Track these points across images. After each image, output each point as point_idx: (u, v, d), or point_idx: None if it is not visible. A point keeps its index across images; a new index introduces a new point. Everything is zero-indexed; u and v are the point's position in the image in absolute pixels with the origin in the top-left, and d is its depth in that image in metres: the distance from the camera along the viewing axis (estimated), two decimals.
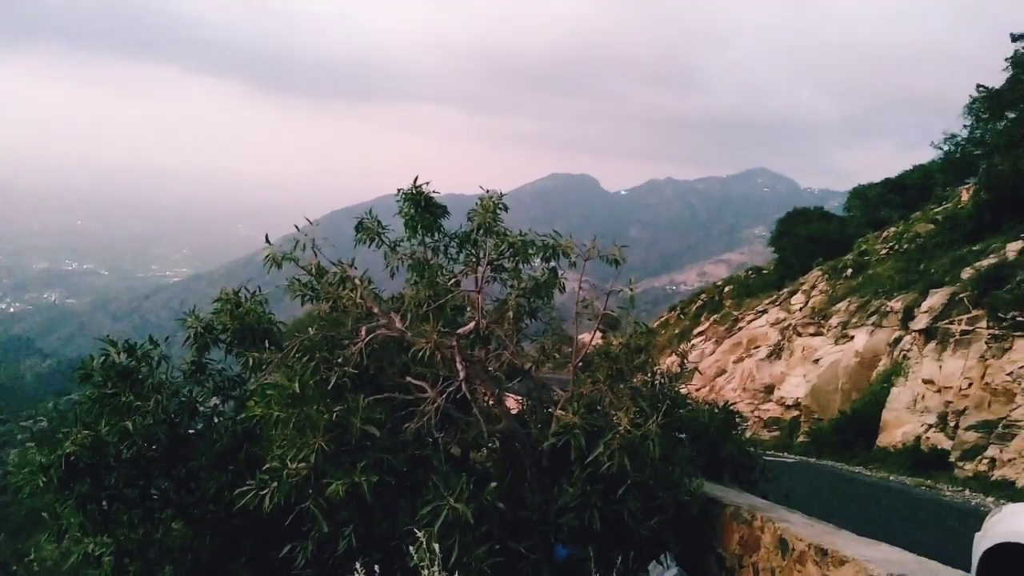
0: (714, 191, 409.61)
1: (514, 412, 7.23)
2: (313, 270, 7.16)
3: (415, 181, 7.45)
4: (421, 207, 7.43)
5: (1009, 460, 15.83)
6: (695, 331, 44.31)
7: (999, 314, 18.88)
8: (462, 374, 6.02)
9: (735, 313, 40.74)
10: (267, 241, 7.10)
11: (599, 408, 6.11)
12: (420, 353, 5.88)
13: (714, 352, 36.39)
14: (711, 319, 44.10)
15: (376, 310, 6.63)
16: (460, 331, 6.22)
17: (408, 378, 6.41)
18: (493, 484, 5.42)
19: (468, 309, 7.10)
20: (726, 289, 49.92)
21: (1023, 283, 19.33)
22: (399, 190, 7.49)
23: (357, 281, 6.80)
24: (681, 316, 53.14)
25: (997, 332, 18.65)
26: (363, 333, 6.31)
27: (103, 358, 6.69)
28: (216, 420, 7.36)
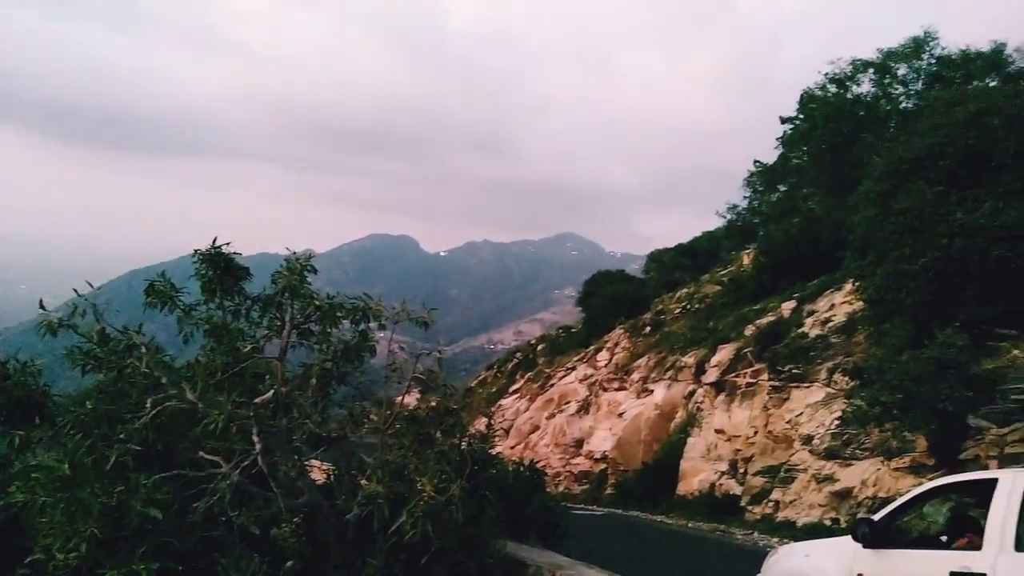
0: (528, 253, 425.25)
1: (320, 483, 6.93)
2: (96, 337, 6.55)
3: (214, 241, 7.08)
4: (220, 268, 7.05)
5: (790, 502, 17.32)
6: (511, 389, 45.20)
7: (777, 367, 20.89)
8: (259, 446, 5.70)
9: (547, 371, 42.08)
10: (41, 306, 6.44)
11: (405, 474, 6.01)
12: (213, 425, 5.51)
13: (528, 409, 37.24)
14: (525, 377, 45.22)
15: (165, 380, 6.15)
16: (258, 400, 5.89)
17: (201, 453, 5.97)
18: (289, 563, 5.12)
19: (267, 377, 6.77)
20: (539, 347, 51.52)
21: (797, 339, 21.57)
22: (196, 251, 7.07)
23: (144, 349, 6.30)
24: (498, 374, 54.08)
25: (776, 384, 20.60)
26: (149, 405, 5.82)
27: None
28: None
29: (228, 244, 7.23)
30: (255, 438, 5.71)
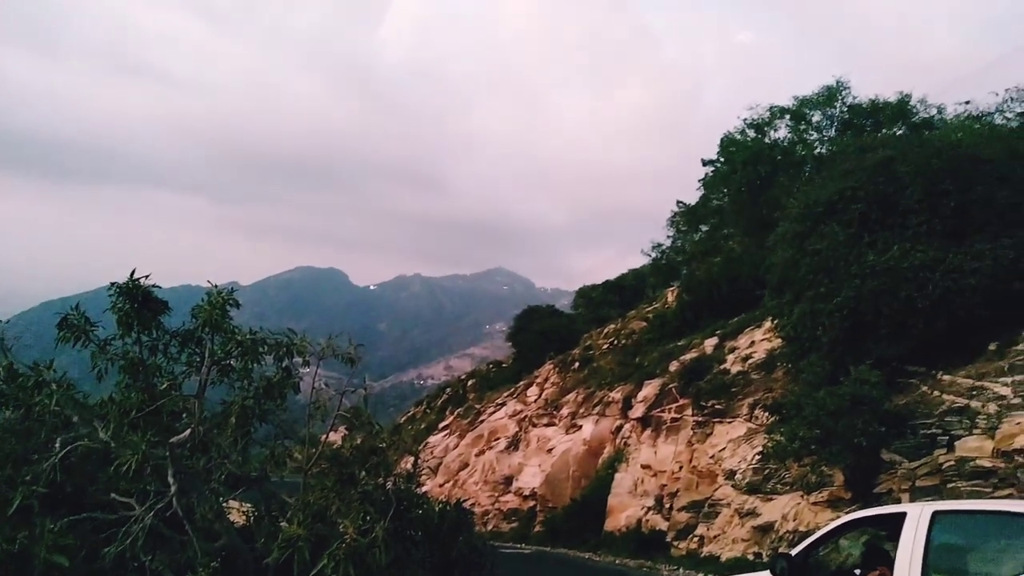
0: (459, 288, 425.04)
1: (240, 525, 6.72)
2: (2, 373, 6.26)
3: (132, 273, 6.87)
4: (138, 302, 6.84)
5: (715, 536, 17.59)
6: (440, 425, 44.77)
7: (701, 403, 21.33)
8: (174, 487, 5.51)
9: (477, 406, 41.89)
10: None
11: (327, 516, 5.88)
12: (126, 466, 5.30)
13: (458, 446, 36.90)
14: (455, 413, 44.88)
15: (76, 418, 5.91)
16: (174, 440, 5.70)
17: (113, 495, 5.73)
18: None
19: (184, 415, 6.56)
20: (469, 383, 51.29)
21: (719, 375, 22.09)
22: (112, 283, 6.84)
23: (54, 385, 6.04)
24: (428, 410, 53.52)
25: (700, 419, 21.01)
26: (58, 445, 5.58)
27: None
28: None
29: (147, 276, 7.03)
30: (171, 479, 5.52)
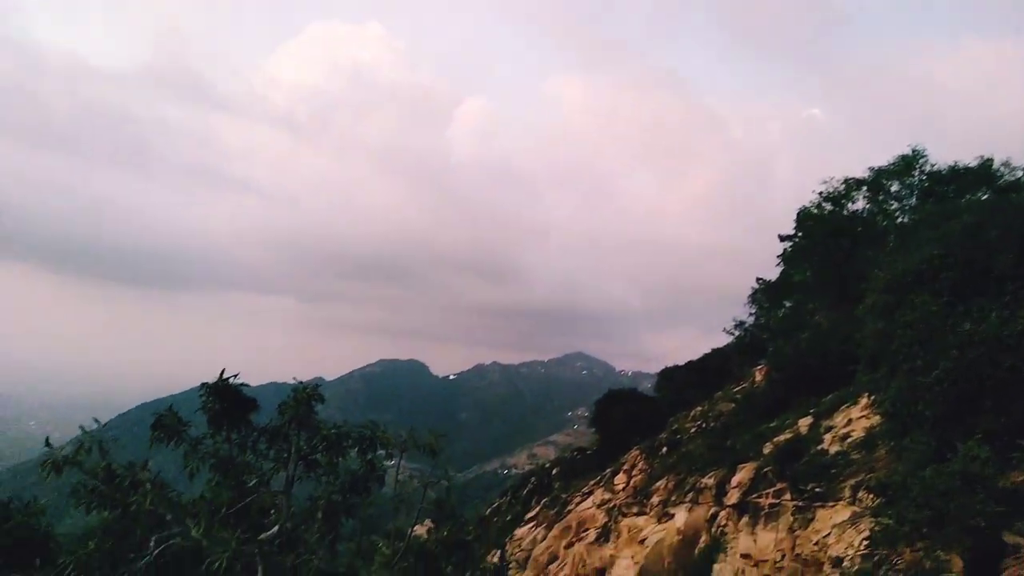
0: (538, 374, 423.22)
1: None
2: (101, 473, 6.47)
3: (221, 373, 7.10)
4: (227, 401, 7.03)
5: None
6: (526, 516, 43.75)
7: (800, 486, 20.24)
8: None
9: (563, 496, 40.87)
10: (47, 444, 6.42)
11: None
12: (217, 564, 5.34)
13: (545, 538, 35.89)
14: (541, 503, 43.87)
15: (170, 517, 6.02)
16: (263, 536, 5.73)
17: None
18: None
19: (272, 511, 6.60)
20: (554, 471, 50.27)
21: (817, 456, 21.02)
22: (203, 383, 7.08)
23: (149, 485, 6.20)
24: (512, 501, 52.49)
25: (800, 504, 19.89)
26: (153, 544, 5.67)
27: None
28: None
29: (236, 376, 7.25)
30: None
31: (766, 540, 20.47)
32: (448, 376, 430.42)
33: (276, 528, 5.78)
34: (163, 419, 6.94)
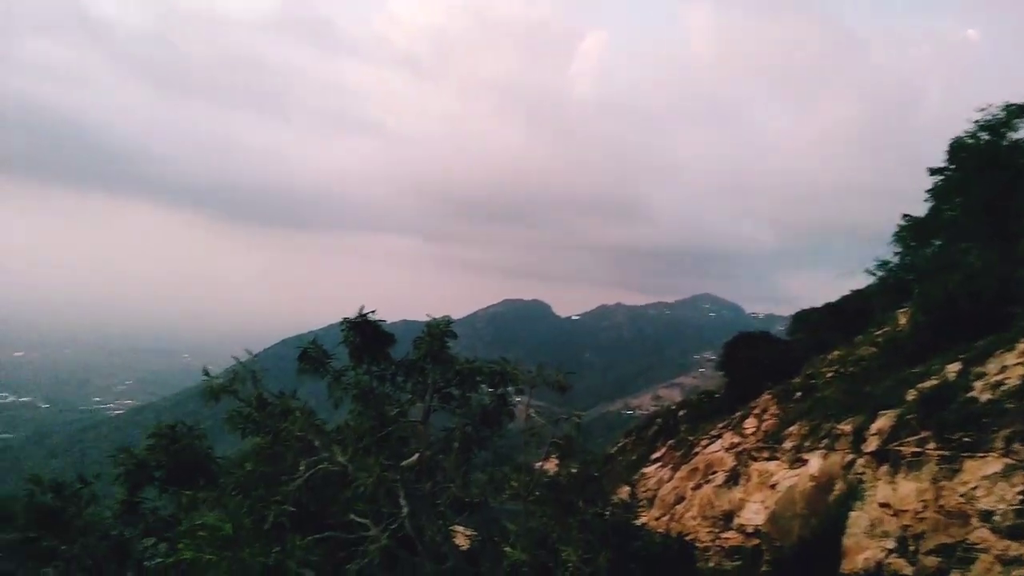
0: (663, 316, 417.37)
1: (464, 549, 6.90)
2: (254, 402, 6.94)
3: (361, 309, 7.38)
4: (367, 336, 7.33)
5: None
6: (652, 456, 43.78)
7: (946, 435, 19.11)
8: (406, 510, 5.76)
9: (690, 438, 40.52)
10: (205, 373, 6.91)
11: (548, 543, 5.86)
12: (362, 488, 5.63)
13: (671, 478, 35.86)
14: (667, 444, 43.71)
15: (317, 443, 6.39)
16: (404, 464, 5.98)
17: (351, 515, 6.11)
18: None
19: (412, 440, 6.88)
20: (680, 413, 49.83)
21: (965, 404, 19.72)
22: (344, 319, 7.39)
23: (298, 413, 6.58)
24: (637, 441, 52.62)
25: (946, 453, 18.81)
26: (303, 468, 6.05)
27: (27, 498, 6.28)
28: (148, 564, 6.87)
29: (373, 312, 7.53)
30: (402, 501, 5.78)
31: (907, 490, 19.55)
32: (571, 317, 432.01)
33: (416, 456, 6.03)
34: (309, 352, 7.34)
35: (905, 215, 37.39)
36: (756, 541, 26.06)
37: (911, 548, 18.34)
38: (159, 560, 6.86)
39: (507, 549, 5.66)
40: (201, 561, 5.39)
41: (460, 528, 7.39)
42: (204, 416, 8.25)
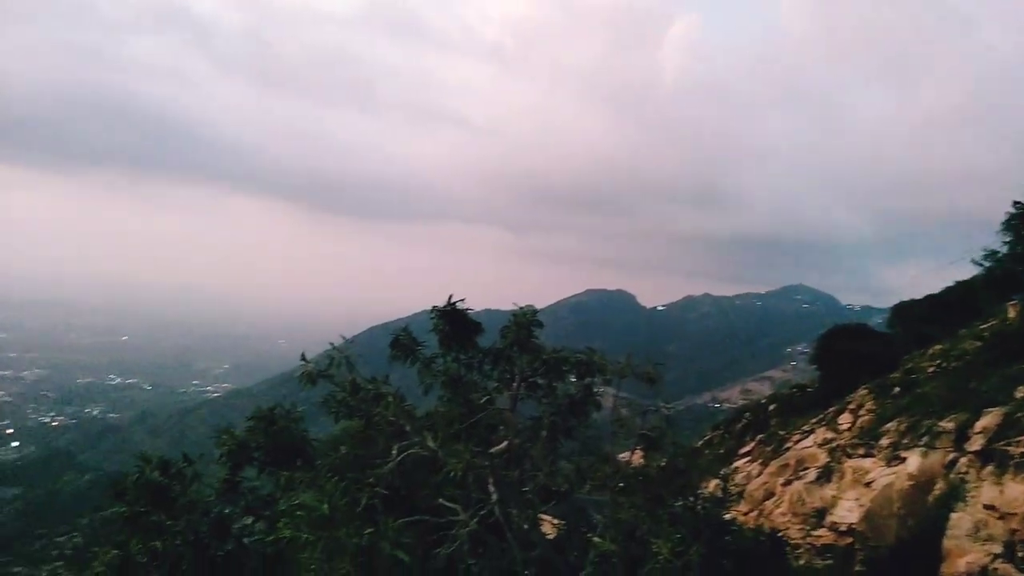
0: (753, 308, 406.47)
1: (550, 537, 6.94)
2: (348, 387, 7.15)
3: (450, 298, 7.50)
4: (455, 324, 7.44)
5: None
6: (740, 451, 42.90)
7: None
8: (495, 497, 5.83)
9: (781, 432, 39.47)
10: (303, 359, 7.16)
11: (637, 535, 5.83)
12: (452, 473, 5.74)
13: (761, 474, 35.04)
14: (756, 439, 42.74)
15: (409, 428, 6.54)
16: (493, 451, 6.07)
17: (440, 500, 6.23)
18: None
19: (500, 428, 6.96)
20: (771, 407, 48.60)
21: None
22: (433, 307, 7.53)
23: (391, 398, 6.75)
24: (725, 435, 51.61)
25: None
26: (395, 452, 6.20)
27: (137, 475, 6.65)
28: (247, 541, 7.18)
29: (462, 300, 7.65)
30: (491, 488, 5.86)
31: (1015, 492, 18.50)
32: (656, 307, 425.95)
33: (505, 444, 6.10)
34: (400, 339, 7.51)
35: (1016, 202, 35.20)
36: (849, 540, 25.19)
37: (1020, 554, 17.37)
38: (257, 538, 7.17)
39: (595, 539, 5.66)
40: (299, 540, 5.61)
41: (545, 517, 7.43)
42: (298, 400, 8.56)
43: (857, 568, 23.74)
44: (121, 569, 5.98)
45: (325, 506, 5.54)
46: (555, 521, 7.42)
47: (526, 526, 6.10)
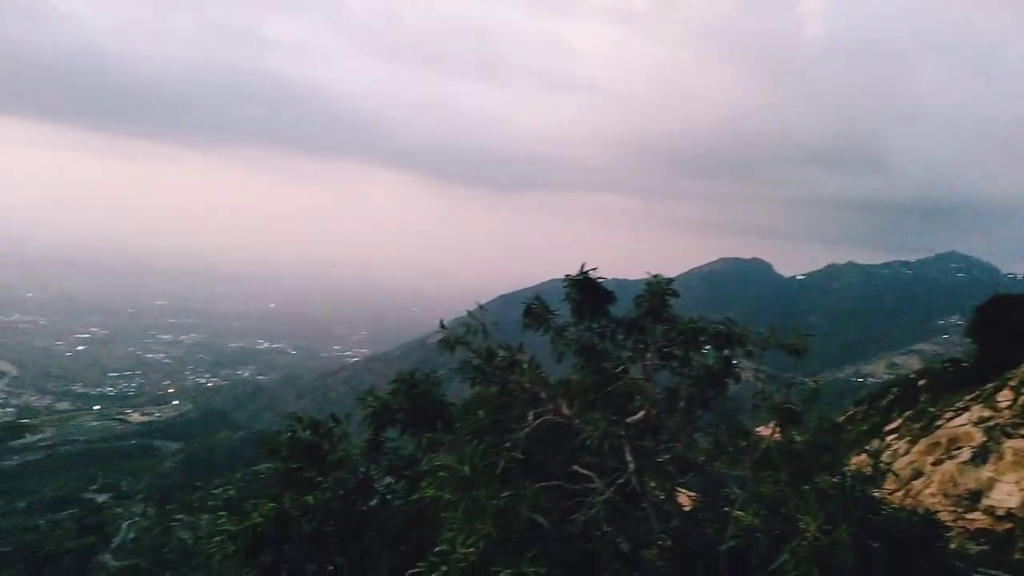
0: (902, 277, 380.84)
1: (686, 509, 6.84)
2: (484, 353, 7.28)
3: (582, 267, 7.46)
4: (588, 293, 7.40)
5: None
6: (886, 428, 40.63)
7: None
8: (632, 466, 5.79)
9: (932, 409, 37.02)
10: (442, 326, 7.34)
11: (782, 510, 5.63)
12: (588, 441, 5.75)
13: (908, 452, 33.09)
14: (904, 415, 40.31)
15: (543, 395, 6.59)
16: (629, 420, 6.02)
17: (575, 466, 6.26)
18: None
19: (636, 397, 6.88)
20: (920, 383, 45.62)
21: None
22: (566, 276, 7.52)
23: (525, 365, 6.82)
24: (869, 411, 49.02)
25: None
26: (531, 418, 6.28)
27: (289, 434, 7.07)
28: (389, 499, 7.50)
29: (595, 269, 7.58)
30: (628, 457, 5.83)
31: None
32: (795, 276, 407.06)
33: (641, 414, 6.04)
34: (533, 307, 7.57)
35: None
36: (1009, 525, 23.37)
37: None
38: (399, 496, 7.47)
39: (737, 513, 5.52)
40: (440, 499, 5.80)
41: (681, 489, 7.32)
42: (433, 365, 8.81)
43: (1017, 556, 22.04)
44: (277, 521, 6.39)
45: (467, 467, 5.69)
46: (690, 493, 7.31)
47: (663, 496, 6.03)
